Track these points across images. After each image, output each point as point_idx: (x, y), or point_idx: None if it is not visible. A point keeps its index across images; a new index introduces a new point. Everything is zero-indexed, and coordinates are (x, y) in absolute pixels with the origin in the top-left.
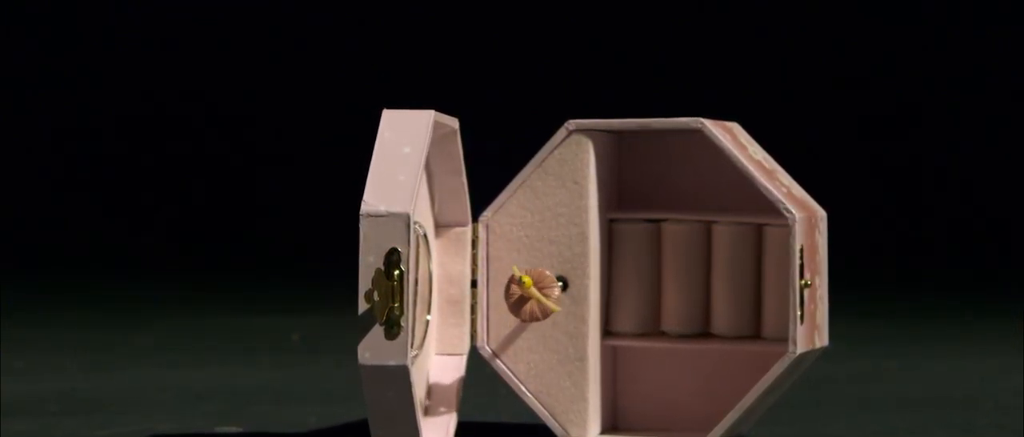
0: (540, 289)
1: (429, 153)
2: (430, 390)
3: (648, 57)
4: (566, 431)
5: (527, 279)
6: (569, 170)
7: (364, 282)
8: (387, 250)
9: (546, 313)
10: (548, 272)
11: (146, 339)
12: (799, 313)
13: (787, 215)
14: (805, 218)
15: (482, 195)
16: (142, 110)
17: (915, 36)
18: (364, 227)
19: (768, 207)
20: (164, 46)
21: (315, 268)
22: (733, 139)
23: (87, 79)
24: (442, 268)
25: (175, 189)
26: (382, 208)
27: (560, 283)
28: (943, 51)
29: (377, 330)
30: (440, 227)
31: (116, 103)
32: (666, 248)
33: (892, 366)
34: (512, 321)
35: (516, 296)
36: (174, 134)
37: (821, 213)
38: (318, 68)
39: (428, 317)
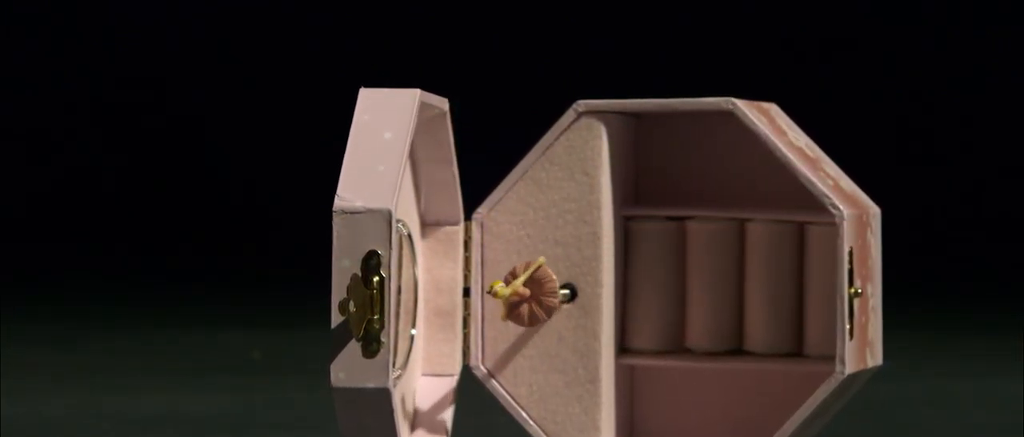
0: (538, 292)
1: (414, 139)
2: (415, 417)
3: (670, 29)
4: None
5: (501, 290)
6: (578, 159)
7: (338, 290)
8: (365, 253)
9: (550, 310)
10: (550, 272)
11: (84, 358)
12: (848, 327)
13: (834, 212)
14: (855, 215)
15: (476, 189)
16: (120, 109)
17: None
18: (338, 226)
19: (811, 202)
20: (153, 44)
21: (282, 274)
22: (770, 123)
23: (67, 77)
24: (429, 274)
25: (127, 188)
26: (359, 204)
27: (565, 292)
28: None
29: (353, 346)
30: (427, 226)
31: (95, 100)
32: (692, 250)
33: (959, 389)
34: (511, 336)
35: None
36: (144, 133)
37: (873, 210)
38: (294, 60)
39: (413, 331)
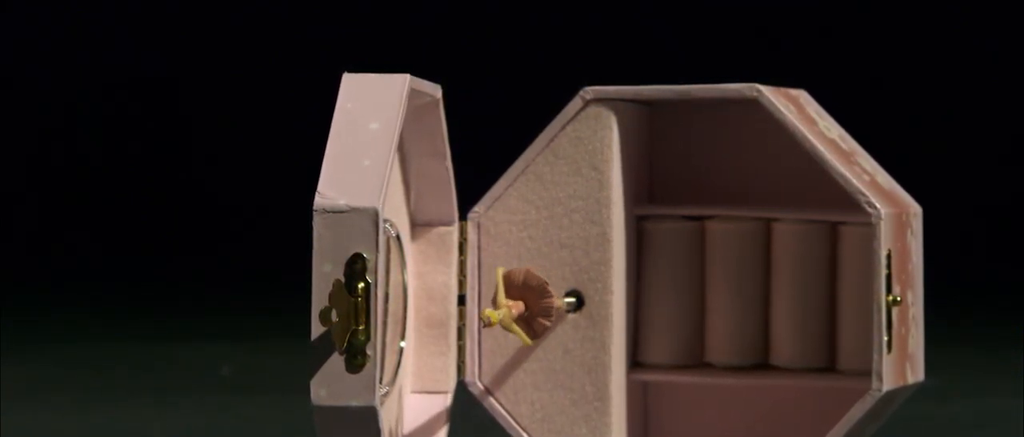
0: (532, 306)
1: (403, 130)
2: None
3: (688, 8)
4: None
5: (493, 315)
6: (586, 152)
7: (319, 298)
8: (349, 256)
9: (549, 311)
10: (536, 272)
11: (24, 372)
12: (886, 339)
13: (870, 211)
14: (894, 215)
15: (472, 185)
16: (86, 105)
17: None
18: (319, 226)
19: (845, 200)
20: (129, 39)
21: (255, 280)
22: (799, 111)
23: (39, 73)
24: (420, 280)
25: (84, 183)
26: (342, 202)
27: (571, 299)
28: None
29: (336, 360)
30: (418, 226)
31: (61, 97)
32: (712, 253)
33: (1008, 409)
34: (511, 349)
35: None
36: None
37: (915, 209)
38: (275, 52)
39: (402, 343)
